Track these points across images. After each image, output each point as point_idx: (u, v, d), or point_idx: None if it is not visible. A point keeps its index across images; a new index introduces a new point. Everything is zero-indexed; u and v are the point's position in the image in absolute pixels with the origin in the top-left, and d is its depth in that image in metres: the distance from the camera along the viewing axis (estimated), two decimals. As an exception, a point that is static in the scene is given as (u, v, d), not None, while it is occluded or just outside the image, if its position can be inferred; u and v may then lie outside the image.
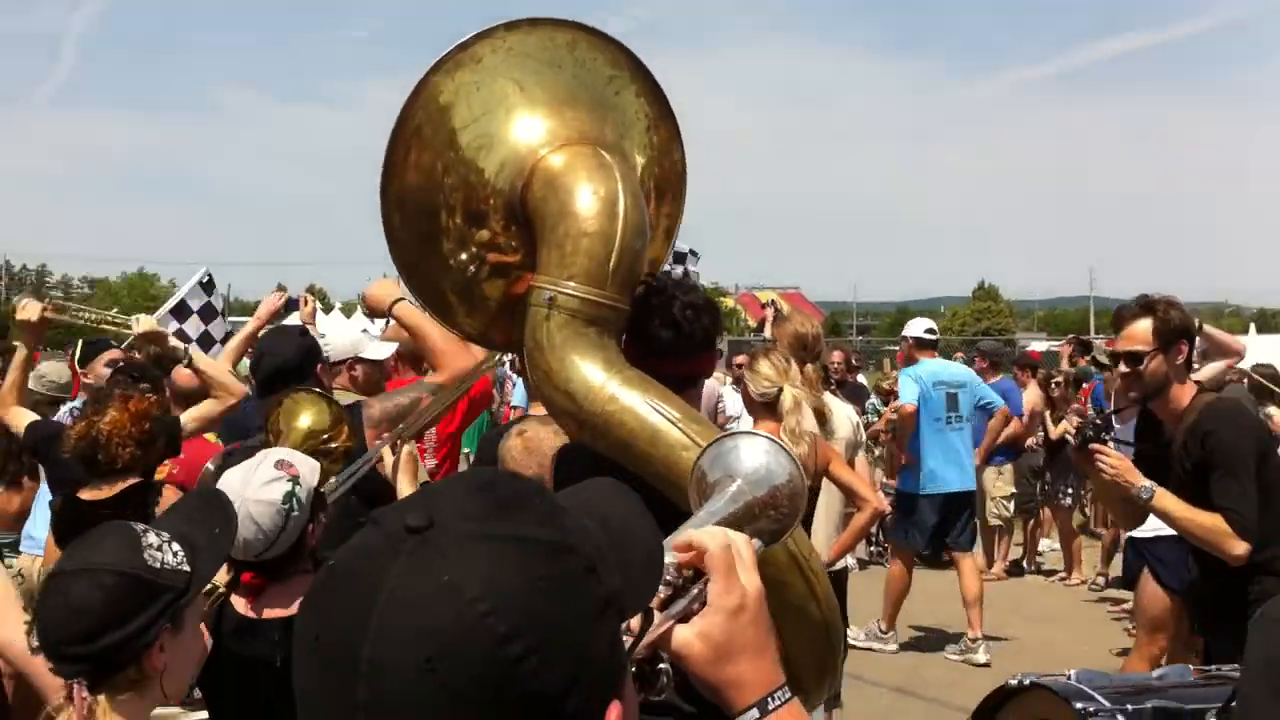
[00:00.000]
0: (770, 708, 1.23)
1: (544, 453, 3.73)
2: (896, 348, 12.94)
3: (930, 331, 8.82)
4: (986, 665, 8.01)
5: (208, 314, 8.74)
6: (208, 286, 8.86)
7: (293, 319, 6.29)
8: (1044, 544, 12.08)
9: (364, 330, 7.14)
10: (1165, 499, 3.87)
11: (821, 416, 5.30)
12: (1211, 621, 4.02)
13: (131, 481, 3.82)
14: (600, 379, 2.39)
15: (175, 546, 2.12)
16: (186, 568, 2.11)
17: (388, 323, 5.08)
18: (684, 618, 1.23)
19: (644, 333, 2.60)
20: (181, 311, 8.67)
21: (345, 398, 4.46)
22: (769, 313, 10.75)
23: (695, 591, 1.24)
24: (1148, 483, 3.88)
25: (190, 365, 4.87)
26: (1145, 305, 4.08)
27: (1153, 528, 4.97)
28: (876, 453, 11.44)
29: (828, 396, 6.14)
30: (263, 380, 4.14)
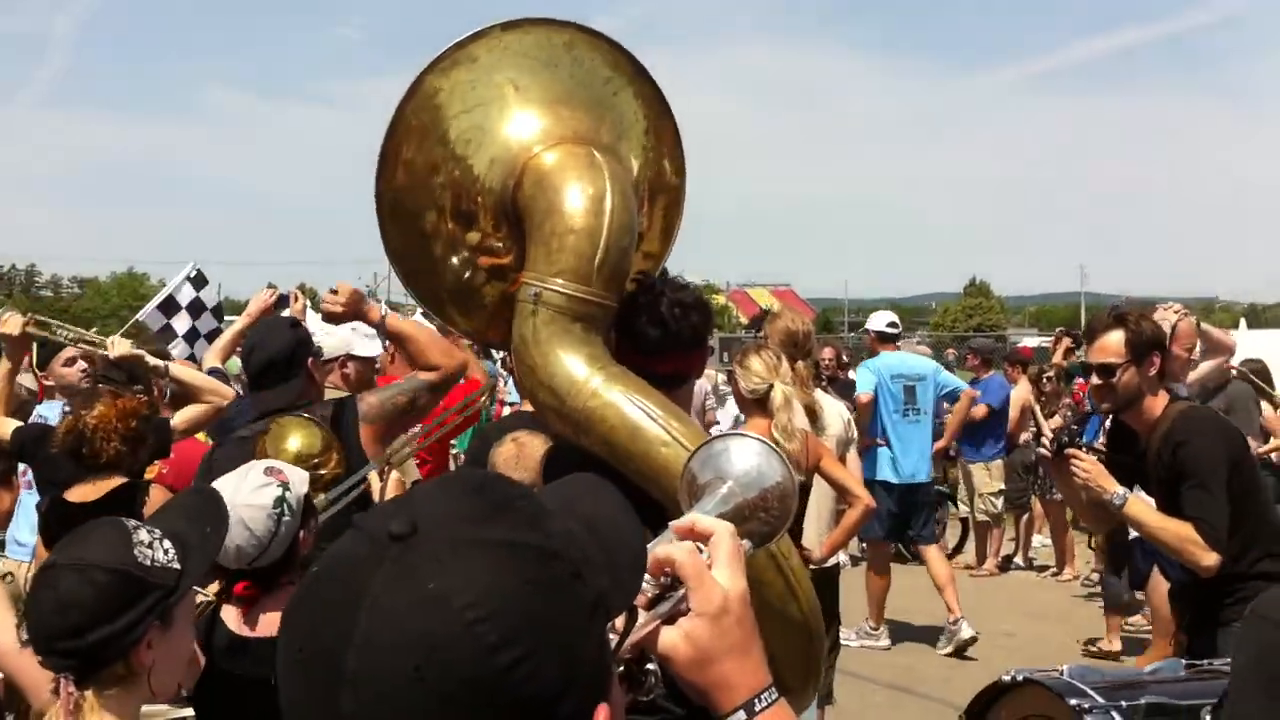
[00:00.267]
0: (757, 709, 1.22)
1: (535, 459, 3.74)
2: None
3: (892, 325, 9.00)
4: (974, 639, 8.13)
5: (196, 309, 8.65)
6: (196, 281, 8.77)
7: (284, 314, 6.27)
8: (1036, 540, 12.11)
9: (353, 328, 7.11)
10: (1137, 506, 3.88)
11: (813, 413, 5.30)
12: (1195, 622, 4.02)
13: (118, 482, 3.81)
14: (584, 374, 2.40)
15: (166, 544, 2.12)
16: (177, 565, 2.11)
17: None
18: (670, 619, 1.22)
19: (632, 330, 2.60)
20: (169, 307, 8.60)
21: (337, 395, 4.45)
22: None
23: (681, 592, 1.23)
24: (1121, 489, 3.88)
25: (172, 380, 4.86)
26: (1117, 317, 4.08)
27: None
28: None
29: (819, 393, 6.14)
30: (254, 374, 4.11)
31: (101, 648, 2.02)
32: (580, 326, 2.45)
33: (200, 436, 5.73)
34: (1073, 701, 3.07)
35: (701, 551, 1.26)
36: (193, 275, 8.79)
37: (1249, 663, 2.00)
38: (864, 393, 8.47)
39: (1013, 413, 11.04)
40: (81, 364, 5.55)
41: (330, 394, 4.59)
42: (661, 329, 2.58)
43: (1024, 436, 11.32)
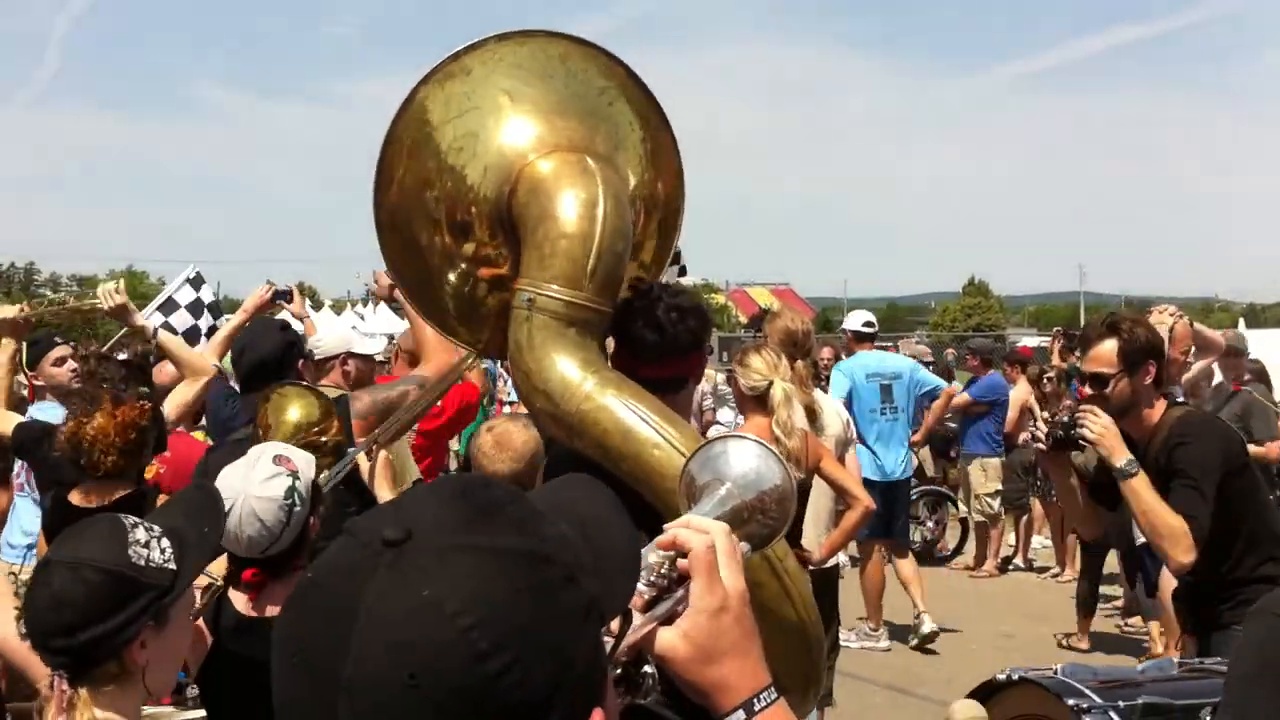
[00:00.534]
0: (756, 709, 1.22)
1: (514, 447, 3.78)
2: (887, 344, 12.99)
3: (868, 325, 9.03)
4: (935, 633, 8.30)
5: (195, 309, 8.72)
6: (195, 282, 8.85)
7: (285, 312, 6.27)
8: (1036, 541, 12.10)
9: (353, 326, 7.11)
10: (1142, 481, 3.77)
11: (812, 413, 5.30)
12: (1196, 625, 4.01)
13: (123, 492, 3.81)
14: (577, 378, 2.41)
15: (164, 543, 2.12)
16: (173, 565, 2.11)
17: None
18: (667, 620, 1.22)
19: (629, 336, 2.61)
20: (168, 307, 8.66)
21: (336, 394, 4.45)
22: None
23: (679, 594, 1.23)
24: (1131, 457, 3.78)
25: (157, 344, 4.88)
26: (1111, 325, 4.01)
27: None
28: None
29: (818, 393, 6.14)
30: (245, 376, 4.11)
31: (93, 647, 2.02)
32: (574, 331, 2.46)
33: (199, 435, 5.73)
34: (1070, 701, 3.06)
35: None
36: (192, 277, 8.89)
37: (1250, 650, 2.00)
38: (837, 399, 8.38)
39: (1011, 413, 11.04)
40: (71, 364, 5.53)
41: (331, 393, 4.59)
42: (658, 334, 2.58)
43: (1023, 437, 11.32)
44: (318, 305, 17.43)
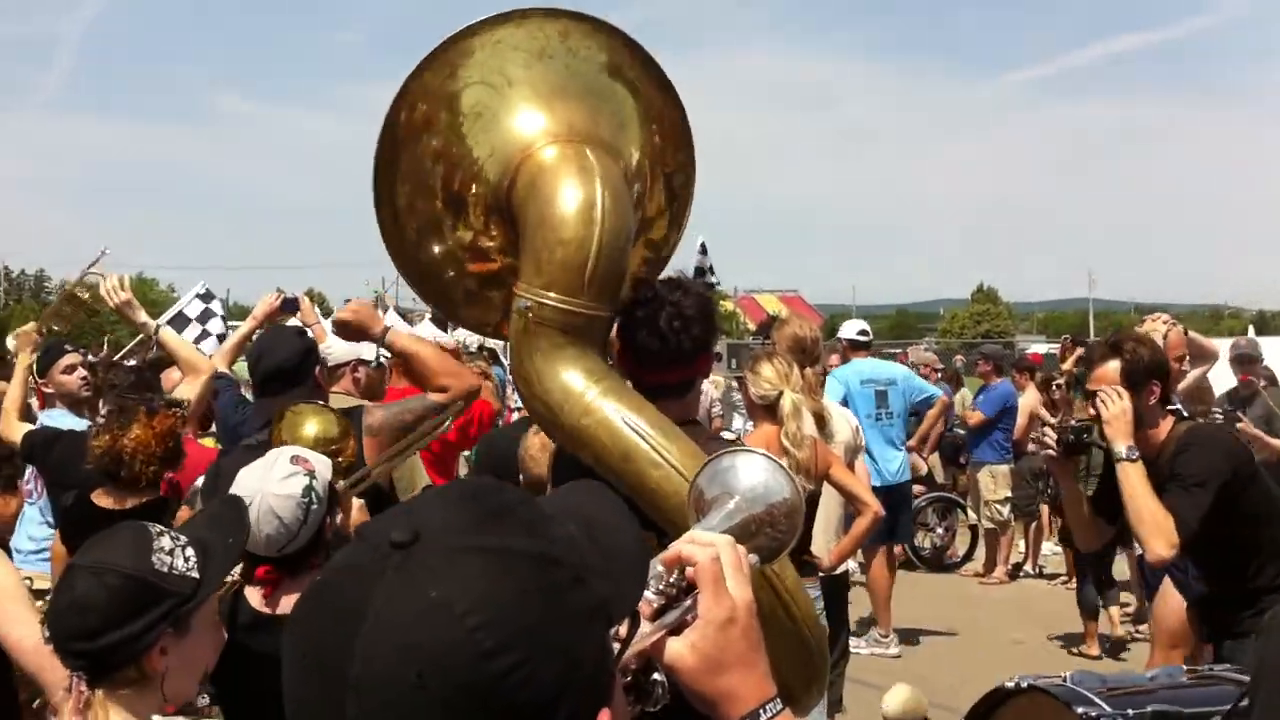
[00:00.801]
0: (763, 719, 1.23)
1: None
2: (897, 351, 13.02)
3: (863, 334, 9.15)
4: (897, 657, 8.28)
5: (205, 318, 8.81)
6: (205, 296, 8.96)
7: (292, 321, 6.27)
8: (1046, 547, 12.07)
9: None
10: (1138, 469, 3.80)
11: (821, 420, 5.29)
12: (1213, 634, 4.00)
13: (149, 498, 3.85)
14: (578, 389, 2.38)
15: (189, 551, 2.15)
16: (196, 574, 2.14)
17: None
18: (676, 629, 1.23)
19: (632, 342, 2.59)
20: (179, 322, 8.73)
21: (347, 402, 4.46)
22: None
23: (687, 603, 1.24)
24: (1132, 444, 3.82)
25: (157, 340, 4.91)
26: (1113, 345, 4.04)
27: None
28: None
29: (827, 400, 6.14)
30: (260, 381, 4.10)
31: (112, 651, 2.04)
32: (573, 339, 2.42)
33: (208, 442, 5.74)
34: (1079, 709, 3.06)
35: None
36: (202, 293, 9.02)
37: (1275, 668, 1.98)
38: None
39: (1021, 420, 11.02)
40: (81, 371, 5.57)
41: (342, 399, 4.61)
42: (661, 343, 2.56)
43: (1030, 445, 11.31)
44: (326, 312, 17.42)
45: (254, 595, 2.84)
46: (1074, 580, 10.89)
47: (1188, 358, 6.16)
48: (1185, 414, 4.24)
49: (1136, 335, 4.29)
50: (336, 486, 3.00)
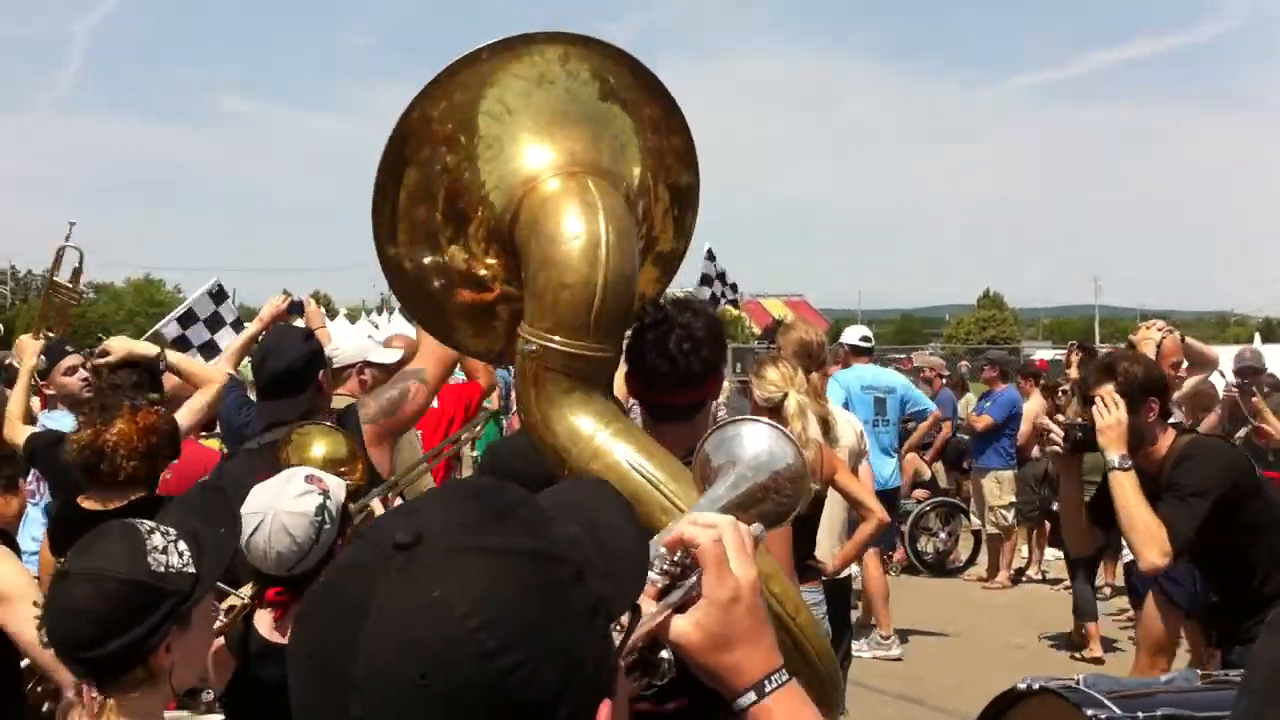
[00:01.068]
0: (767, 690, 1.26)
1: None
2: (902, 356, 13.11)
3: (865, 339, 9.29)
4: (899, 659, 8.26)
5: (214, 323, 8.65)
6: (217, 296, 8.76)
7: (298, 324, 6.27)
8: (1049, 552, 12.06)
9: (369, 336, 7.13)
10: (1130, 479, 3.83)
11: (825, 424, 5.30)
12: (1226, 637, 4.01)
13: (136, 496, 3.82)
14: (586, 433, 2.36)
15: (181, 546, 2.13)
16: (192, 569, 2.13)
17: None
18: (681, 607, 1.26)
19: (641, 365, 2.58)
20: (187, 319, 8.61)
21: (346, 403, 4.44)
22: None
23: (691, 581, 1.27)
24: (1125, 453, 3.85)
25: (166, 367, 4.89)
26: (1106, 366, 4.07)
27: None
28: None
29: (832, 404, 6.14)
30: (265, 384, 4.08)
31: (120, 657, 2.03)
32: (579, 381, 2.39)
33: (213, 444, 5.75)
34: (1089, 712, 3.06)
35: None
36: (214, 291, 8.79)
37: (1272, 671, 1.99)
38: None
39: (1024, 426, 11.02)
40: (82, 373, 5.57)
41: (345, 401, 4.60)
42: (671, 365, 2.55)
43: (1036, 450, 11.31)
44: (332, 314, 17.45)
45: (264, 622, 2.83)
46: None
47: (1186, 364, 6.17)
48: (1185, 425, 4.26)
49: (1129, 354, 4.33)
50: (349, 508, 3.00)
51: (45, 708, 3.42)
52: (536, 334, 2.37)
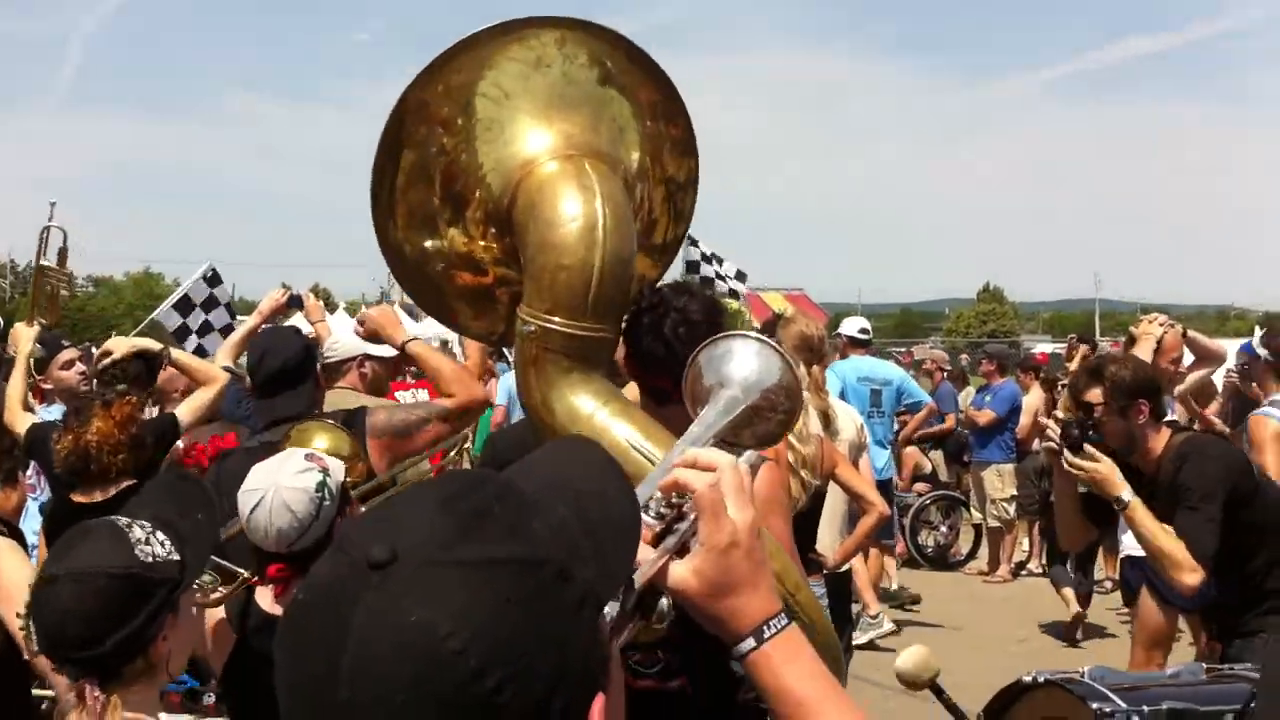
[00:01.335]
0: (767, 635, 1.25)
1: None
2: (902, 349, 13.09)
3: (863, 331, 9.35)
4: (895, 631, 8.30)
5: (210, 304, 8.70)
6: (212, 280, 8.82)
7: (297, 318, 6.26)
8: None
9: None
10: (1139, 510, 3.83)
11: (826, 418, 5.29)
12: (1221, 633, 4.01)
13: (126, 484, 3.82)
14: (585, 412, 2.38)
15: (161, 536, 2.13)
16: (176, 557, 2.13)
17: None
18: (679, 552, 1.25)
19: (639, 349, 2.59)
20: (184, 306, 8.64)
21: (352, 399, 4.45)
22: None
23: (686, 525, 1.26)
24: (1127, 491, 3.84)
25: (171, 363, 4.89)
26: (1094, 371, 4.07)
27: None
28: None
29: (832, 398, 6.13)
30: (262, 382, 4.10)
31: (120, 651, 2.03)
32: (578, 361, 2.41)
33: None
34: (1095, 705, 3.04)
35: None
36: (208, 275, 8.83)
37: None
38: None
39: (1025, 419, 11.03)
40: (80, 366, 5.55)
41: (347, 395, 4.60)
42: (667, 349, 2.54)
43: (1036, 443, 11.31)
44: (332, 308, 17.45)
45: (265, 596, 2.83)
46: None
47: (1191, 359, 6.13)
48: (1181, 424, 4.24)
49: (1118, 357, 4.32)
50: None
51: (44, 707, 3.41)
52: (535, 315, 2.39)
